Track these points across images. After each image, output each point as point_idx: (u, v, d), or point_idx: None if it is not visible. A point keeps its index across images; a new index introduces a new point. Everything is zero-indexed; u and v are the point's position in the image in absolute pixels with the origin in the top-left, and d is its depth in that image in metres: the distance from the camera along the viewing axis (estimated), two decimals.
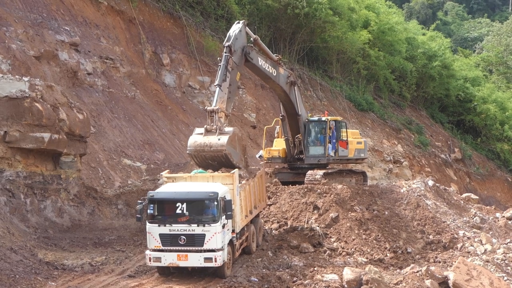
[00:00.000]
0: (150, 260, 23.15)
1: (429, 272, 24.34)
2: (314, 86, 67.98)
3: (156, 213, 23.12)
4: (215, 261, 22.71)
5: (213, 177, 24.86)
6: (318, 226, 28.97)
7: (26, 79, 31.58)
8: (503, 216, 33.88)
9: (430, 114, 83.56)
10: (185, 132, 50.99)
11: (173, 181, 24.95)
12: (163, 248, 22.93)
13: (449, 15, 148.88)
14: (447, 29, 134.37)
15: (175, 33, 57.48)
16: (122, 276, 24.19)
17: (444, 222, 30.21)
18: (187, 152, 26.86)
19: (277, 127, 36.59)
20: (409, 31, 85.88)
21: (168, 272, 23.93)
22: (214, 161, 25.91)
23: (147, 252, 23.27)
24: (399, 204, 30.89)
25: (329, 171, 34.57)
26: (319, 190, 31.11)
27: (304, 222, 29.48)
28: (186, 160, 44.78)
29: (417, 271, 24.73)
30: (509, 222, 33.02)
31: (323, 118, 35.48)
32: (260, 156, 36.20)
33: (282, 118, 35.24)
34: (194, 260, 22.82)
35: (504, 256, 27.75)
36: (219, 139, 25.86)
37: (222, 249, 22.92)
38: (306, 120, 35.16)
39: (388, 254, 27.60)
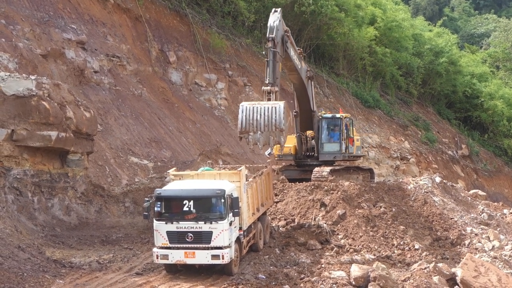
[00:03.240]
0: (157, 258, 23.15)
1: (436, 268, 24.29)
2: (320, 83, 67.94)
3: (163, 211, 23.12)
4: (223, 258, 22.70)
5: (220, 174, 24.88)
6: (325, 223, 28.92)
7: (33, 77, 31.61)
8: (511, 213, 33.81)
9: (437, 110, 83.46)
10: (191, 129, 51.04)
11: (180, 178, 24.97)
12: (170, 245, 22.93)
13: (455, 11, 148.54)
14: (454, 25, 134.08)
15: (182, 30, 57.55)
16: (129, 273, 24.22)
17: (451, 218, 30.13)
18: (240, 104, 27.03)
19: None
20: (415, 28, 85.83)
21: (175, 270, 23.94)
22: (264, 115, 26.32)
23: (155, 249, 23.29)
24: (406, 201, 30.84)
25: (336, 168, 34.56)
26: (326, 187, 31.05)
27: (311, 219, 29.45)
28: (193, 158, 44.85)
29: (425, 268, 24.66)
30: None
31: (338, 115, 35.64)
32: (270, 153, 35.90)
33: (296, 115, 35.14)
34: (202, 257, 22.82)
35: None
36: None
37: (229, 246, 22.91)
38: (319, 117, 35.29)
39: (395, 251, 27.54)
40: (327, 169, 33.46)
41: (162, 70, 54.33)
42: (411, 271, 24.86)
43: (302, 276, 23.84)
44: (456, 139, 78.94)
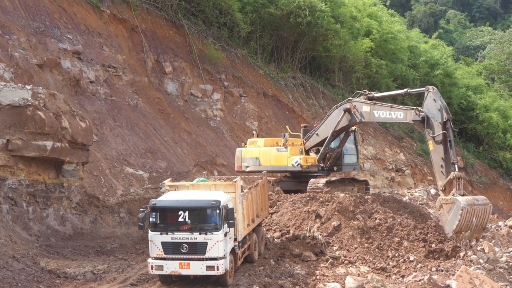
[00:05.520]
0: (152, 268, 23.11)
1: (431, 280, 24.27)
2: (316, 94, 68.10)
3: (158, 221, 23.09)
4: (217, 269, 22.67)
5: (215, 185, 24.87)
6: (320, 235, 28.89)
7: (28, 87, 31.61)
8: (506, 225, 33.86)
9: None
10: (187, 140, 51.01)
11: (175, 189, 24.96)
12: (165, 256, 22.89)
13: (451, 24, 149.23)
14: (449, 37, 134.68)
15: (178, 41, 57.62)
16: (124, 284, 24.17)
17: None
18: (462, 206, 27.80)
19: (286, 134, 35.99)
20: (411, 40, 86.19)
21: (170, 281, 23.90)
22: (478, 217, 28.14)
23: (149, 260, 23.24)
24: (401, 213, 30.83)
25: (332, 179, 34.55)
26: (321, 199, 31.05)
27: (306, 230, 29.43)
28: (188, 169, 44.83)
29: (420, 280, 24.65)
30: None
31: (353, 128, 35.92)
32: (298, 164, 35.48)
33: (333, 134, 34.81)
34: (196, 268, 22.79)
35: (507, 264, 27.65)
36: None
37: (224, 257, 22.89)
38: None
39: (390, 263, 27.52)
40: (323, 180, 33.49)
41: (157, 81, 54.36)
42: (405, 283, 24.84)
43: (297, 287, 23.82)
44: None
